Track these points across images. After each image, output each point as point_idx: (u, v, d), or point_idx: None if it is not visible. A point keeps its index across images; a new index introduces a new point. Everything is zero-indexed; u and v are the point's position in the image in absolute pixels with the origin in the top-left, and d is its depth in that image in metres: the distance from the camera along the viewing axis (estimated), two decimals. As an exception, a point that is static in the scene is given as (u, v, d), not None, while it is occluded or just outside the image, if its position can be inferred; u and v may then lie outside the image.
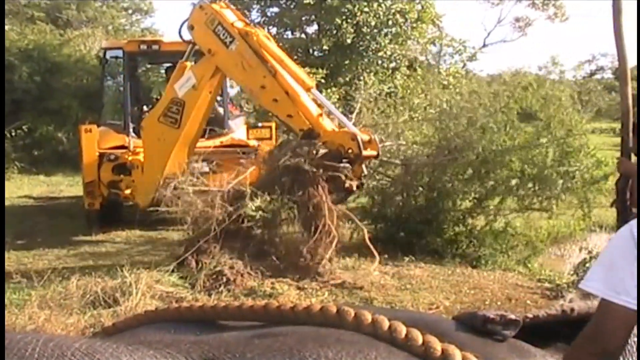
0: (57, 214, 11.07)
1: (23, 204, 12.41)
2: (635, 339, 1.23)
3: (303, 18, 18.91)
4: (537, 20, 29.96)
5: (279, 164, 7.01)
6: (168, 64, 10.92)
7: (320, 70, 15.79)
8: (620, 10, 3.66)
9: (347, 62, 17.95)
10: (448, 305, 6.15)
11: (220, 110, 10.49)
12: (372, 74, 17.89)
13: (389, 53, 18.16)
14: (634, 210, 4.43)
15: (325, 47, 17.79)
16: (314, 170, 6.79)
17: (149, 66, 14.34)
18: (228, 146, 9.48)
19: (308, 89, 7.37)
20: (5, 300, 5.77)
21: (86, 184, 9.40)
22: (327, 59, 17.82)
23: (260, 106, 12.84)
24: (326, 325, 1.03)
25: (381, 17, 17.70)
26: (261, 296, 6.14)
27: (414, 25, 18.62)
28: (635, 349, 1.25)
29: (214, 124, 9.76)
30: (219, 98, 11.00)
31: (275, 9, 19.40)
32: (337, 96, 14.49)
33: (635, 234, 1.28)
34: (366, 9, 17.42)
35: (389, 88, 17.80)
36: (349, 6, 17.35)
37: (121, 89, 11.20)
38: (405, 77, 18.45)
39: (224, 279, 6.50)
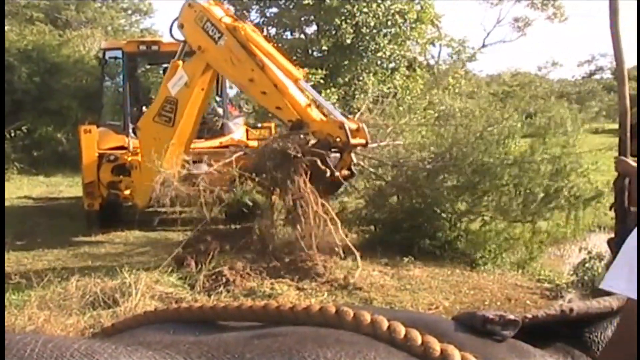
0: (56, 215, 11.07)
1: (23, 204, 12.41)
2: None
3: (302, 18, 18.90)
4: (537, 21, 30.05)
5: (265, 148, 7.11)
6: (167, 65, 10.92)
7: (319, 71, 15.79)
8: (616, 10, 3.66)
9: (346, 62, 17.94)
10: (447, 306, 6.15)
11: (220, 110, 10.50)
12: (371, 74, 17.90)
13: (388, 53, 18.16)
14: (633, 209, 4.45)
15: (324, 48, 17.79)
16: (298, 156, 6.80)
17: (148, 67, 14.34)
18: (227, 147, 9.48)
19: (296, 80, 7.45)
20: (5, 300, 5.77)
21: (86, 185, 9.41)
22: (327, 60, 17.82)
23: (260, 107, 12.85)
24: (325, 326, 1.03)
25: (380, 17, 17.70)
26: (260, 296, 6.14)
27: (413, 25, 18.61)
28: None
29: (214, 125, 9.78)
30: (218, 99, 11.02)
31: (275, 10, 19.40)
32: (337, 96, 14.49)
33: None
34: (365, 10, 17.42)
35: (388, 88, 17.82)
36: (348, 7, 17.35)
37: (120, 89, 11.21)
38: (404, 78, 18.46)
39: (224, 280, 6.50)
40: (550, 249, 9.50)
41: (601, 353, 1.20)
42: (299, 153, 6.83)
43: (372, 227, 8.80)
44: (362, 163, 8.14)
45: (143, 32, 27.13)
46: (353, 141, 6.94)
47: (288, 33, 19.72)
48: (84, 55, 19.54)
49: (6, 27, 19.20)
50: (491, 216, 8.32)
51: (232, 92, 13.75)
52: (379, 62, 18.46)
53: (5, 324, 4.98)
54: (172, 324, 1.15)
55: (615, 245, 4.09)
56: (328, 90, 15.78)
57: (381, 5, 17.61)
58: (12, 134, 16.31)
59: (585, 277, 7.19)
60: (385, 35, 18.12)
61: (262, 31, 19.71)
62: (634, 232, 1.33)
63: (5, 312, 5.32)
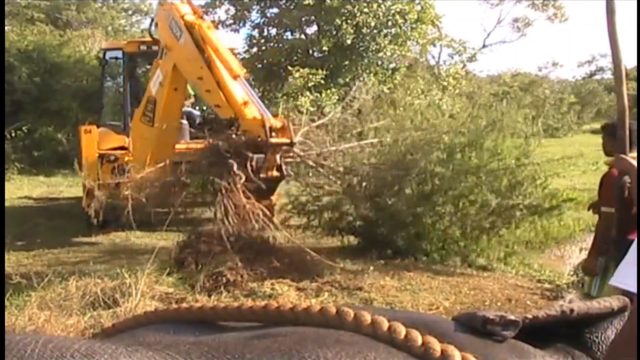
0: (57, 215, 11.07)
1: (23, 204, 12.42)
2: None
3: (303, 19, 18.92)
4: (537, 21, 30.05)
5: (204, 148, 7.10)
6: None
7: (320, 71, 15.81)
8: (613, 10, 3.68)
9: (346, 62, 17.96)
10: (448, 306, 6.15)
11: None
12: (371, 74, 17.91)
13: (388, 54, 18.18)
14: (604, 209, 4.51)
15: (325, 48, 17.81)
16: (226, 156, 6.75)
17: (148, 67, 14.34)
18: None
19: (235, 77, 7.31)
20: (5, 301, 5.77)
21: (86, 185, 9.40)
22: (327, 60, 17.84)
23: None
24: (326, 326, 1.03)
25: (381, 17, 17.71)
26: (261, 297, 6.14)
27: (414, 26, 18.63)
28: None
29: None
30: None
31: (275, 10, 19.41)
32: (337, 97, 14.49)
33: None
34: (366, 10, 17.43)
35: (388, 89, 17.84)
36: (349, 7, 17.36)
37: (121, 89, 11.22)
38: (405, 78, 18.48)
39: (224, 280, 6.50)
40: (550, 250, 9.51)
41: (609, 350, 1.21)
42: (229, 152, 6.74)
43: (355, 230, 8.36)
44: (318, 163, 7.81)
45: (144, 32, 27.09)
46: (273, 140, 6.82)
47: (289, 33, 19.76)
48: (85, 55, 19.55)
49: (7, 27, 19.22)
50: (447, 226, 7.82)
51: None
52: (379, 63, 18.48)
53: (6, 324, 4.98)
54: (172, 325, 1.15)
55: (616, 243, 4.10)
56: (329, 91, 15.81)
57: (382, 6, 17.63)
58: (13, 134, 16.31)
59: (586, 278, 7.17)
60: (385, 35, 18.14)
61: (262, 31, 19.79)
62: None
63: (6, 313, 5.33)
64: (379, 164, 7.94)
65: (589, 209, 5.17)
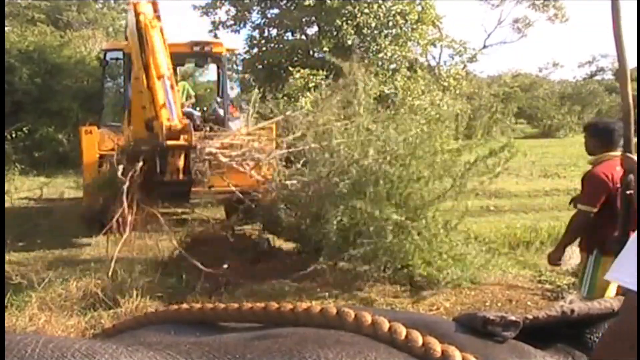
0: (57, 216, 11.06)
1: (23, 205, 12.41)
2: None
3: (303, 19, 18.93)
4: (538, 22, 30.03)
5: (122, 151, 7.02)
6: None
7: (320, 72, 15.80)
8: (619, 10, 3.67)
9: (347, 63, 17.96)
10: (448, 307, 6.14)
11: (221, 111, 10.50)
12: (372, 75, 17.91)
13: (389, 54, 18.17)
14: (581, 206, 4.59)
15: (325, 49, 17.83)
16: (127, 158, 6.73)
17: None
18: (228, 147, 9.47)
19: (159, 77, 7.14)
20: (6, 301, 5.78)
21: (86, 186, 9.40)
22: (327, 61, 17.84)
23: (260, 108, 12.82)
24: (326, 327, 1.03)
25: (381, 18, 17.72)
26: (261, 297, 6.14)
27: (414, 26, 18.64)
28: None
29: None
30: (218, 99, 11.02)
31: (276, 10, 19.43)
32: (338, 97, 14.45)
33: None
34: (366, 10, 17.45)
35: (389, 89, 17.84)
36: (349, 7, 17.37)
37: (121, 90, 11.21)
38: (405, 79, 18.47)
39: (224, 281, 6.50)
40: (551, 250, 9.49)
41: (599, 344, 1.21)
42: (140, 156, 6.66)
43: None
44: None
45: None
46: (169, 143, 6.63)
47: (289, 34, 19.77)
48: (85, 56, 19.54)
49: (7, 28, 19.24)
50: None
51: (233, 92, 13.77)
52: (380, 63, 18.47)
53: (6, 324, 4.98)
54: (173, 325, 1.16)
55: (620, 242, 4.10)
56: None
57: (382, 6, 17.65)
58: (13, 135, 16.31)
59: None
60: (386, 36, 18.15)
61: (263, 32, 19.81)
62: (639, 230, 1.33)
63: (6, 313, 5.33)
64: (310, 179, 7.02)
65: (570, 203, 5.26)
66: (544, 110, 30.29)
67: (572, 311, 1.21)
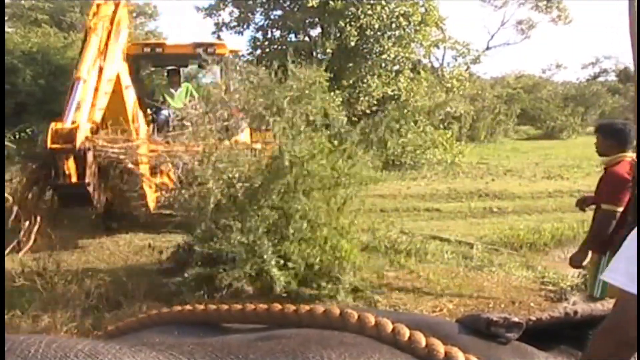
0: (59, 216, 11.06)
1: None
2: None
3: (306, 21, 18.94)
4: (541, 23, 29.99)
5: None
6: (171, 67, 10.94)
7: (323, 73, 15.80)
8: (635, 8, 3.64)
9: (350, 65, 17.96)
10: (451, 308, 6.14)
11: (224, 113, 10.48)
12: (375, 76, 17.92)
13: (392, 56, 18.17)
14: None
15: (328, 50, 17.83)
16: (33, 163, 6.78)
17: (152, 69, 14.37)
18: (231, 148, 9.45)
19: (76, 79, 7.11)
20: (8, 302, 5.78)
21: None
22: (331, 62, 17.85)
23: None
24: (329, 328, 1.03)
25: (385, 20, 17.72)
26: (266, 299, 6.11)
27: (418, 28, 18.63)
28: None
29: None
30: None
31: (279, 12, 19.44)
32: (341, 99, 14.47)
33: None
34: (370, 12, 17.44)
35: (392, 91, 17.85)
36: (353, 9, 17.37)
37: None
38: (408, 80, 18.47)
39: (227, 282, 6.48)
40: (554, 252, 9.49)
41: (591, 342, 1.22)
42: (38, 161, 6.71)
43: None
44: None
45: (147, 34, 27.17)
46: (53, 146, 6.56)
47: (292, 35, 19.77)
48: (89, 57, 19.56)
49: (11, 29, 19.29)
50: None
51: (236, 94, 13.75)
52: (383, 65, 18.47)
53: (9, 326, 4.99)
54: (176, 326, 1.16)
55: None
56: (332, 93, 15.80)
57: (385, 8, 17.64)
58: (16, 136, 16.34)
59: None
60: (389, 37, 18.15)
61: (266, 33, 19.82)
62: (636, 229, 1.34)
63: (9, 314, 5.34)
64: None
65: (576, 205, 5.20)
66: (547, 111, 30.22)
67: (575, 313, 1.21)
